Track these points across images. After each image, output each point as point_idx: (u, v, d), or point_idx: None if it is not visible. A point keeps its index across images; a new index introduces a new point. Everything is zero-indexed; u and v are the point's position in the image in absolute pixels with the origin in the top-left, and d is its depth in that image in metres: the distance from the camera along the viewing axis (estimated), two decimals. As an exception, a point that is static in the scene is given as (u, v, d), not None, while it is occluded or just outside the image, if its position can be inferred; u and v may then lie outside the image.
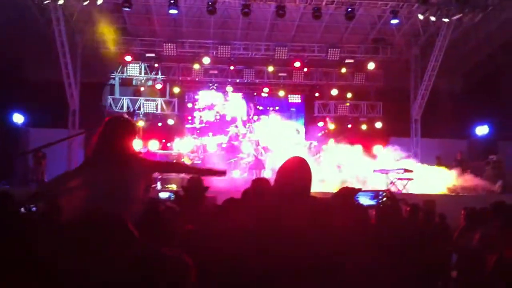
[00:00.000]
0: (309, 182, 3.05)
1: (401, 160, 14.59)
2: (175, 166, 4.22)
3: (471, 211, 5.83)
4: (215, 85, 17.76)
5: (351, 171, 14.31)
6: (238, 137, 16.75)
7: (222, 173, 4.29)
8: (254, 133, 16.96)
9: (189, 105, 17.98)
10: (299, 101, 18.22)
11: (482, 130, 16.62)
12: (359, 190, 3.22)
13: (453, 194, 13.20)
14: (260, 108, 18.08)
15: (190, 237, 3.25)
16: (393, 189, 13.29)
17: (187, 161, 14.78)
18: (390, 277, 2.93)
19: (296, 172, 3.03)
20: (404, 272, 3.31)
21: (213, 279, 2.53)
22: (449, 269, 5.50)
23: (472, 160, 15.30)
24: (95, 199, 3.63)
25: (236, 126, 17.43)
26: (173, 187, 13.02)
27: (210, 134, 17.44)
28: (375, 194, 7.42)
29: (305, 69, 17.12)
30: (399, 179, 13.49)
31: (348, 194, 3.36)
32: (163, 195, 8.15)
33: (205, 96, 18.03)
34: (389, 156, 15.22)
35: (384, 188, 13.46)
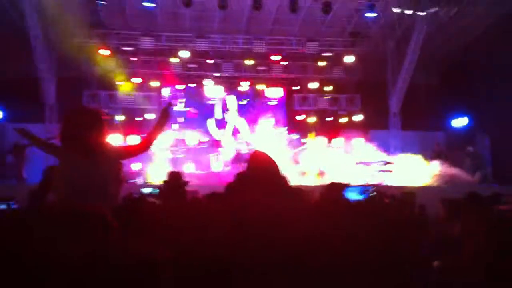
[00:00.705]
0: (276, 170, 3.10)
1: (381, 153, 14.76)
2: (142, 143, 4.15)
3: (449, 202, 5.90)
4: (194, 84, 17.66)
5: (332, 165, 14.43)
6: (220, 132, 16.69)
7: (168, 106, 4.24)
8: (236, 127, 16.92)
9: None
10: (282, 94, 18.18)
11: (460, 121, 16.86)
12: (347, 185, 3.27)
13: (433, 185, 13.37)
14: (242, 102, 17.99)
15: (171, 231, 3.23)
16: (373, 181, 13.43)
17: (168, 155, 14.72)
18: (369, 267, 2.95)
19: (262, 165, 3.07)
20: (382, 262, 3.34)
21: (195, 272, 2.52)
22: (429, 259, 5.56)
23: (450, 152, 15.52)
24: (71, 194, 3.60)
25: (220, 120, 17.37)
26: (155, 182, 12.97)
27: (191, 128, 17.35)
28: (363, 188, 7.48)
29: (284, 62, 17.12)
30: (380, 171, 13.63)
31: (337, 189, 3.40)
32: (146, 190, 8.10)
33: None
34: (370, 149, 15.39)
35: (365, 180, 13.60)
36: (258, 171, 3.15)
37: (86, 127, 3.77)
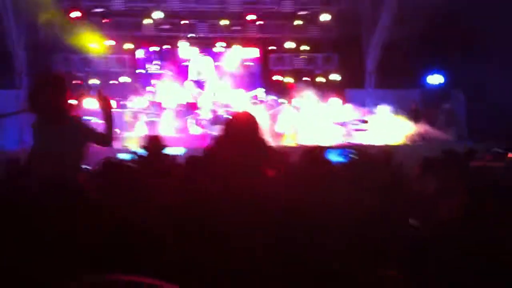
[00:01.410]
0: (255, 131, 3.10)
1: (357, 111, 14.85)
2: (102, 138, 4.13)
3: (425, 159, 6.00)
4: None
5: (308, 125, 14.49)
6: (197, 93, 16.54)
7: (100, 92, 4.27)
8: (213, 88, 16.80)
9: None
10: (258, 55, 18.03)
11: (436, 79, 16.99)
12: (328, 147, 3.29)
13: (409, 143, 13.57)
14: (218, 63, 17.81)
15: (153, 196, 3.24)
16: (350, 140, 13.56)
17: (144, 118, 14.57)
18: (350, 228, 2.99)
19: (244, 125, 3.07)
20: (364, 223, 3.39)
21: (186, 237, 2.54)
22: (405, 217, 5.68)
23: (426, 109, 15.68)
24: (45, 164, 3.59)
25: (196, 81, 17.20)
26: (132, 147, 12.88)
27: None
28: (344, 150, 7.48)
29: (260, 22, 16.93)
30: (355, 130, 13.75)
31: (317, 151, 3.41)
32: (124, 156, 8.02)
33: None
34: (345, 108, 15.47)
35: (343, 140, 13.73)
36: (237, 133, 3.14)
37: (50, 92, 3.73)
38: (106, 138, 4.11)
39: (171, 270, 2.14)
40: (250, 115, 3.25)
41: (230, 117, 3.28)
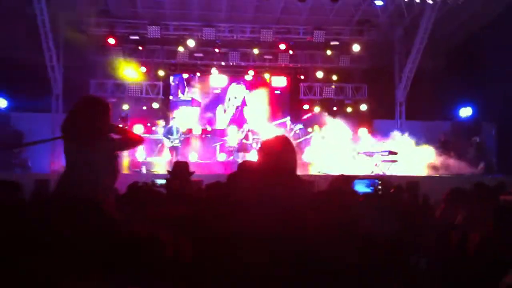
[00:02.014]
0: (293, 161, 3.11)
1: (386, 142, 14.77)
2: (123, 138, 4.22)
3: (454, 191, 5.94)
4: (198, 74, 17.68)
5: (334, 155, 14.44)
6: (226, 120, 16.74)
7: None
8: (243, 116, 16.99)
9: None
10: (285, 84, 18.22)
11: (465, 111, 16.83)
12: (356, 177, 3.32)
13: (437, 175, 13.39)
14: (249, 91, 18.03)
15: (180, 221, 3.30)
16: (377, 171, 13.46)
17: (168, 144, 14.74)
18: (376, 256, 3.00)
19: (281, 151, 3.08)
20: (388, 253, 3.39)
21: (204, 262, 2.58)
22: (432, 247, 5.62)
23: (456, 142, 15.50)
24: (70, 183, 3.69)
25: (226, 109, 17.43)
26: (160, 171, 13.05)
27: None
28: (371, 182, 7.50)
29: (291, 52, 17.09)
30: (383, 161, 13.65)
31: (345, 181, 3.43)
32: (160, 181, 8.17)
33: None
34: (373, 139, 15.41)
35: (369, 171, 13.63)
36: (266, 159, 3.16)
37: (90, 116, 3.85)
38: (131, 140, 4.19)
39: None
40: (283, 142, 3.22)
41: (262, 143, 3.27)
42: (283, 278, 2.48)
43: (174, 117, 15.42)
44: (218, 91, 17.93)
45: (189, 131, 16.03)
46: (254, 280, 2.41)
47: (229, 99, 17.92)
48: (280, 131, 15.78)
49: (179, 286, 2.18)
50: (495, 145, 15.38)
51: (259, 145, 15.16)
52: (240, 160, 13.45)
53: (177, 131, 14.53)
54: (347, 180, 4.87)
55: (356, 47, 16.74)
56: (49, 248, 2.34)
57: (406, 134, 14.90)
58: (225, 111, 17.54)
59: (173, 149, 14.47)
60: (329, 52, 17.13)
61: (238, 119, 17.45)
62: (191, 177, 5.38)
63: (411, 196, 7.04)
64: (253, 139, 15.15)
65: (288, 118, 17.64)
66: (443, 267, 4.21)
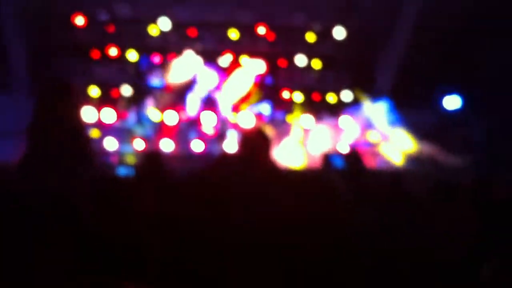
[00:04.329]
0: (272, 153, 3.13)
1: (369, 131, 14.91)
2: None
3: (438, 184, 6.02)
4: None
5: (316, 143, 14.55)
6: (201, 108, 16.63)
7: None
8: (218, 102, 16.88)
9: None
10: (264, 69, 18.14)
11: (453, 102, 17.00)
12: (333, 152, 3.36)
13: (420, 168, 13.57)
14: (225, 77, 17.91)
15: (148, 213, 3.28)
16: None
17: (139, 132, 14.59)
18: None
19: (260, 143, 3.10)
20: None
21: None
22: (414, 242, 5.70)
23: (442, 134, 15.68)
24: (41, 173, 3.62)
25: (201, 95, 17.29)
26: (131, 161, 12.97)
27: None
28: (343, 156, 7.48)
29: (270, 36, 17.01)
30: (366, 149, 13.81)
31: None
32: (121, 171, 8.11)
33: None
34: (356, 128, 15.52)
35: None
36: (244, 151, 3.19)
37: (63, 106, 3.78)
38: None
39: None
40: (260, 134, 3.27)
41: (243, 135, 3.32)
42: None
43: (146, 104, 15.23)
44: (191, 75, 17.74)
45: (162, 118, 15.88)
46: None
47: (203, 84, 17.75)
48: (258, 120, 15.80)
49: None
50: (483, 138, 15.59)
51: (235, 134, 15.22)
52: (216, 150, 13.42)
53: (149, 119, 14.38)
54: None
55: (339, 33, 16.72)
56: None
57: (391, 124, 15.03)
58: (199, 97, 17.38)
59: (144, 138, 14.35)
60: (310, 38, 17.09)
61: (213, 106, 17.33)
62: (163, 168, 5.35)
63: (391, 187, 7.11)
64: (229, 126, 15.11)
65: (266, 105, 17.58)
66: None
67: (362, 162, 6.18)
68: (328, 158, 4.44)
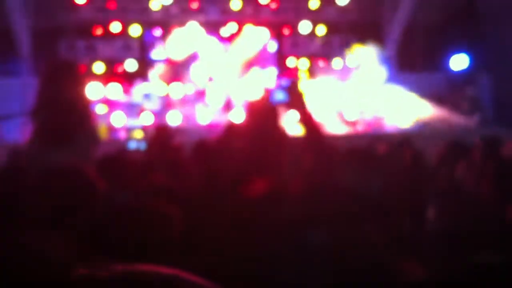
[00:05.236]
0: (281, 122, 3.09)
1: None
2: None
3: (451, 145, 5.94)
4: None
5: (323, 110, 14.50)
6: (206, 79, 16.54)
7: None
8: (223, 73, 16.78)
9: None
10: (269, 37, 17.95)
11: (460, 62, 16.79)
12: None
13: (429, 128, 13.50)
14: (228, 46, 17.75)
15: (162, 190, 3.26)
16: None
17: (147, 106, 14.54)
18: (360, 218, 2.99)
19: (268, 112, 3.06)
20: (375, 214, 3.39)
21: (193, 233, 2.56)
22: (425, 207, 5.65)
23: (450, 94, 15.55)
24: (50, 154, 3.61)
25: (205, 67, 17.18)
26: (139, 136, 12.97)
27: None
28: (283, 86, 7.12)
29: (274, 4, 16.84)
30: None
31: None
32: (131, 145, 8.08)
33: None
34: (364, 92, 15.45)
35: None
36: (256, 123, 3.14)
37: (67, 84, 3.73)
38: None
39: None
40: (266, 104, 3.24)
41: (248, 106, 3.28)
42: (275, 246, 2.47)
43: (152, 78, 15.16)
44: (195, 47, 17.59)
45: (168, 92, 15.84)
46: (250, 248, 2.40)
47: (208, 56, 17.60)
48: (264, 89, 15.68)
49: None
50: (490, 96, 15.42)
51: (242, 104, 15.15)
52: (223, 122, 13.39)
53: (156, 93, 14.33)
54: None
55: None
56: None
57: (397, 86, 14.94)
58: (203, 68, 17.24)
59: (152, 112, 14.32)
60: (314, 4, 16.89)
61: (218, 77, 17.22)
62: (172, 142, 5.33)
63: (402, 152, 7.03)
64: (235, 97, 15.04)
65: (272, 73, 17.45)
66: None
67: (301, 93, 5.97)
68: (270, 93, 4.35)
